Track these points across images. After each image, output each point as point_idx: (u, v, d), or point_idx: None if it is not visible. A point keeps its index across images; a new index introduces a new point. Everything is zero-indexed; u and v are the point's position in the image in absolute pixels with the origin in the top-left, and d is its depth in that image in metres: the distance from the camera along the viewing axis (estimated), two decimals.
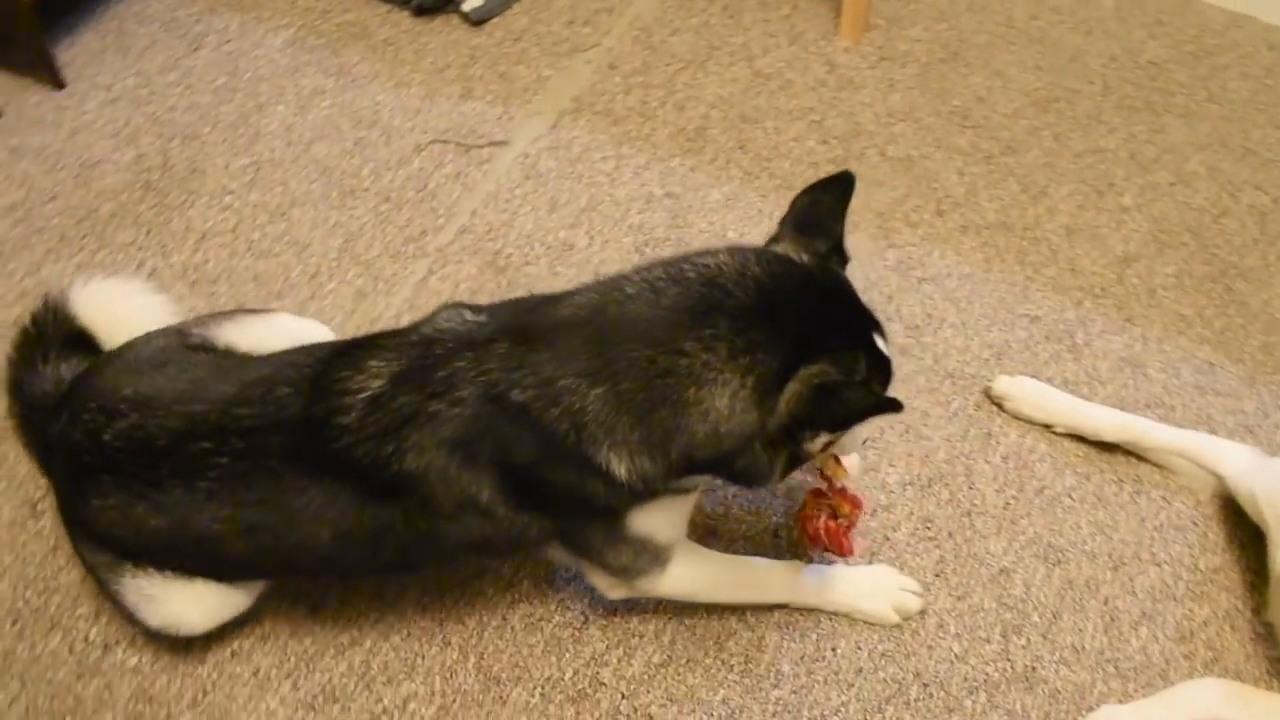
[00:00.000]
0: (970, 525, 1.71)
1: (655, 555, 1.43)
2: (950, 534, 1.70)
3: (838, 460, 1.53)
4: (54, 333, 1.58)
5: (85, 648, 1.52)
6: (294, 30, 2.43)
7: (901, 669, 1.56)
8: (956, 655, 1.57)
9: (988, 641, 1.59)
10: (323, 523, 1.33)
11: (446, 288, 1.97)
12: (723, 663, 1.55)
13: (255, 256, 2.01)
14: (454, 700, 1.51)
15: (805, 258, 1.30)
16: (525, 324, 1.29)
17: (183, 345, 1.50)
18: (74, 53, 2.36)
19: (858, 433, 1.40)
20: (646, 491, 1.29)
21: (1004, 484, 1.76)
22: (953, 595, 1.63)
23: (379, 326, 1.90)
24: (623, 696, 1.51)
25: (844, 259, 1.37)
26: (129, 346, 1.53)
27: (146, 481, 1.35)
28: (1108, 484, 1.76)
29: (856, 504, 1.58)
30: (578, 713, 1.50)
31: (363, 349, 1.34)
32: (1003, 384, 1.85)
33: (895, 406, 1.20)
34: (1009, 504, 1.74)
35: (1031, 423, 1.83)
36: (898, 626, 1.59)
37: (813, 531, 1.56)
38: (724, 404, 1.20)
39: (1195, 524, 1.72)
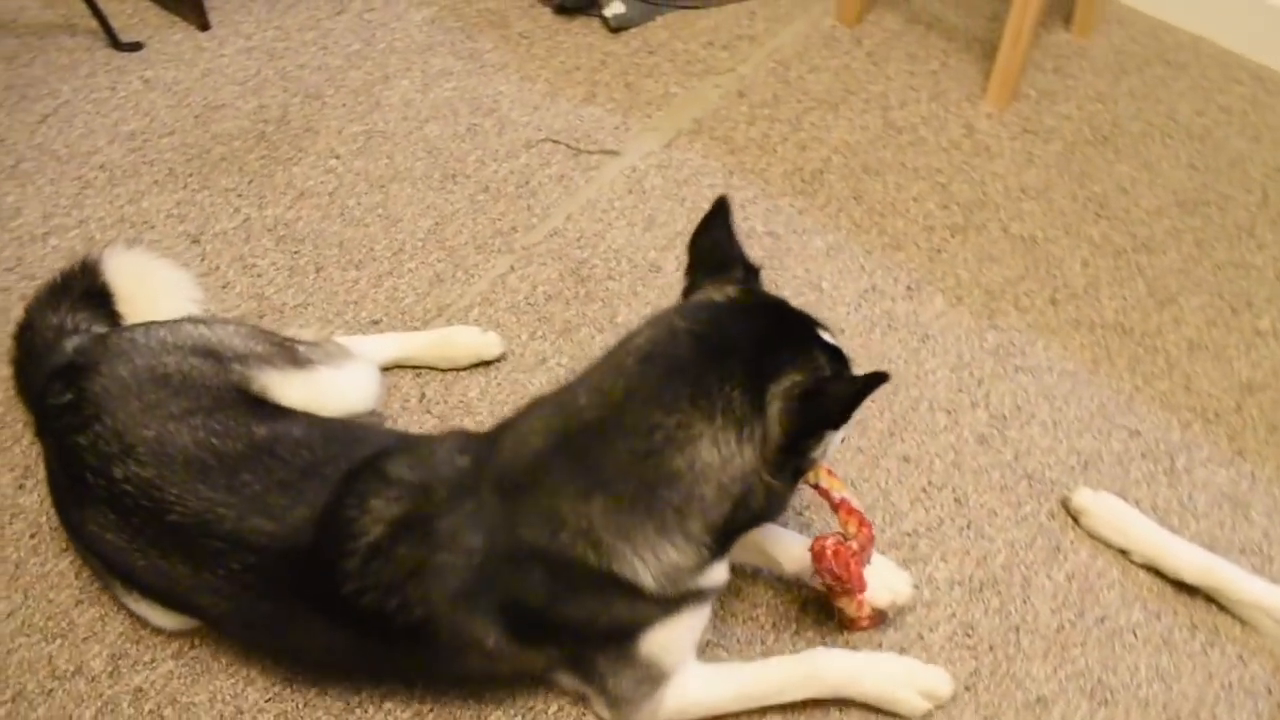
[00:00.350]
0: (1015, 642, 1.57)
1: (656, 682, 1.38)
2: (992, 647, 1.57)
3: (830, 472, 1.48)
4: (78, 285, 1.60)
5: (90, 577, 1.52)
6: (436, 9, 2.45)
7: None
8: None
9: None
10: (321, 645, 1.37)
11: (524, 288, 1.94)
12: None
13: (346, 223, 2.01)
14: None
15: (728, 291, 1.31)
16: (506, 470, 1.29)
17: (222, 376, 1.44)
18: (223, 5, 2.42)
19: (836, 436, 1.36)
20: (675, 595, 1.28)
21: (1062, 604, 1.61)
22: (979, 714, 1.50)
23: (448, 315, 1.88)
24: None
25: (754, 271, 1.39)
26: (149, 346, 1.46)
27: (150, 542, 1.33)
28: (1179, 628, 1.59)
29: (863, 522, 1.47)
30: None
31: (370, 480, 1.30)
32: (1084, 497, 1.70)
33: (882, 378, 1.20)
34: (1064, 627, 1.59)
35: (1107, 545, 1.67)
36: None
37: (817, 549, 1.43)
38: (712, 455, 1.21)
39: (1270, 692, 1.54)
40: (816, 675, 1.47)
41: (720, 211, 1.38)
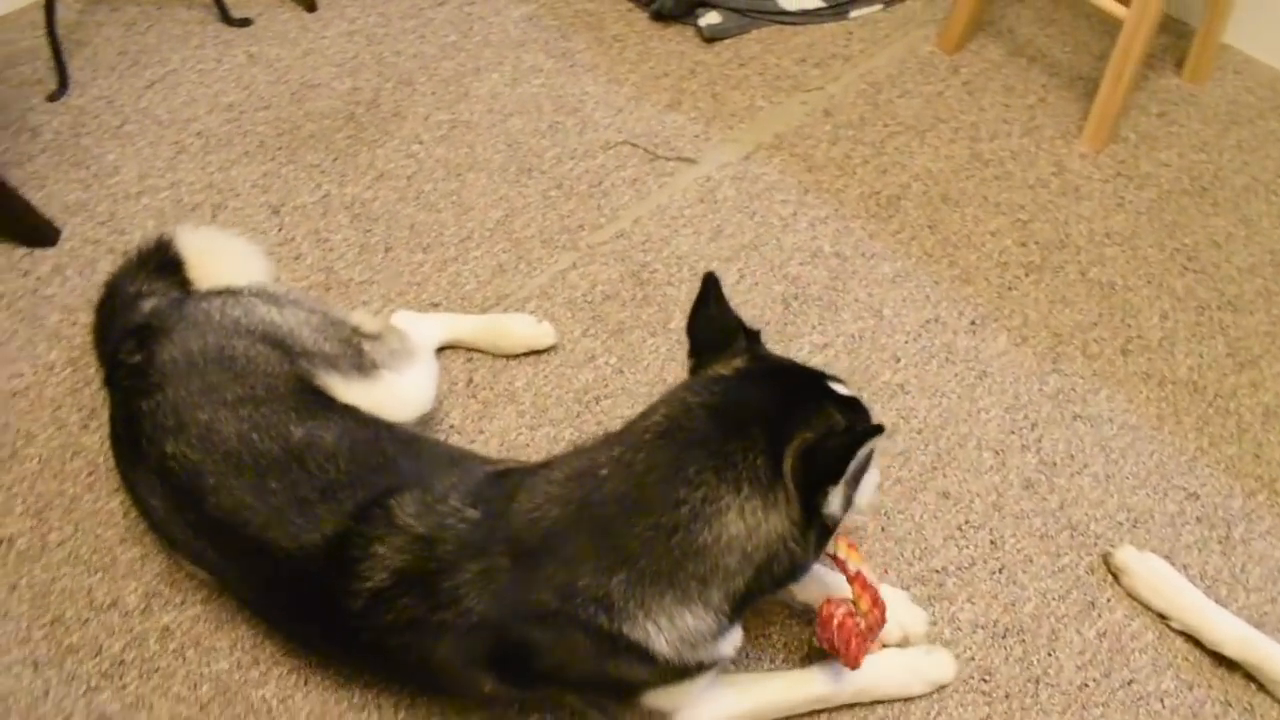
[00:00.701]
0: (1034, 693, 1.52)
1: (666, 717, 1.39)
2: (1008, 695, 1.52)
3: (851, 545, 1.44)
4: (154, 258, 1.68)
5: (136, 519, 1.59)
6: (535, 6, 2.50)
7: None
8: None
9: None
10: (331, 650, 1.46)
11: (583, 285, 1.96)
12: None
13: (419, 207, 2.07)
14: None
15: (734, 364, 1.31)
16: (521, 536, 1.26)
17: (285, 368, 1.48)
18: None
19: (862, 492, 1.33)
20: (691, 663, 1.27)
21: (1089, 661, 1.55)
22: None
23: (506, 304, 1.92)
24: None
25: (755, 335, 1.38)
26: (223, 325, 1.52)
27: (188, 520, 1.40)
28: (1212, 702, 1.52)
29: (877, 601, 1.41)
30: None
31: (378, 524, 1.31)
32: (1127, 555, 1.64)
33: (876, 430, 1.20)
34: (1087, 685, 1.53)
35: (1146, 607, 1.61)
36: None
37: (825, 615, 1.39)
38: (739, 526, 1.21)
39: None
40: (828, 695, 1.47)
41: (709, 289, 1.36)
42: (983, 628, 1.58)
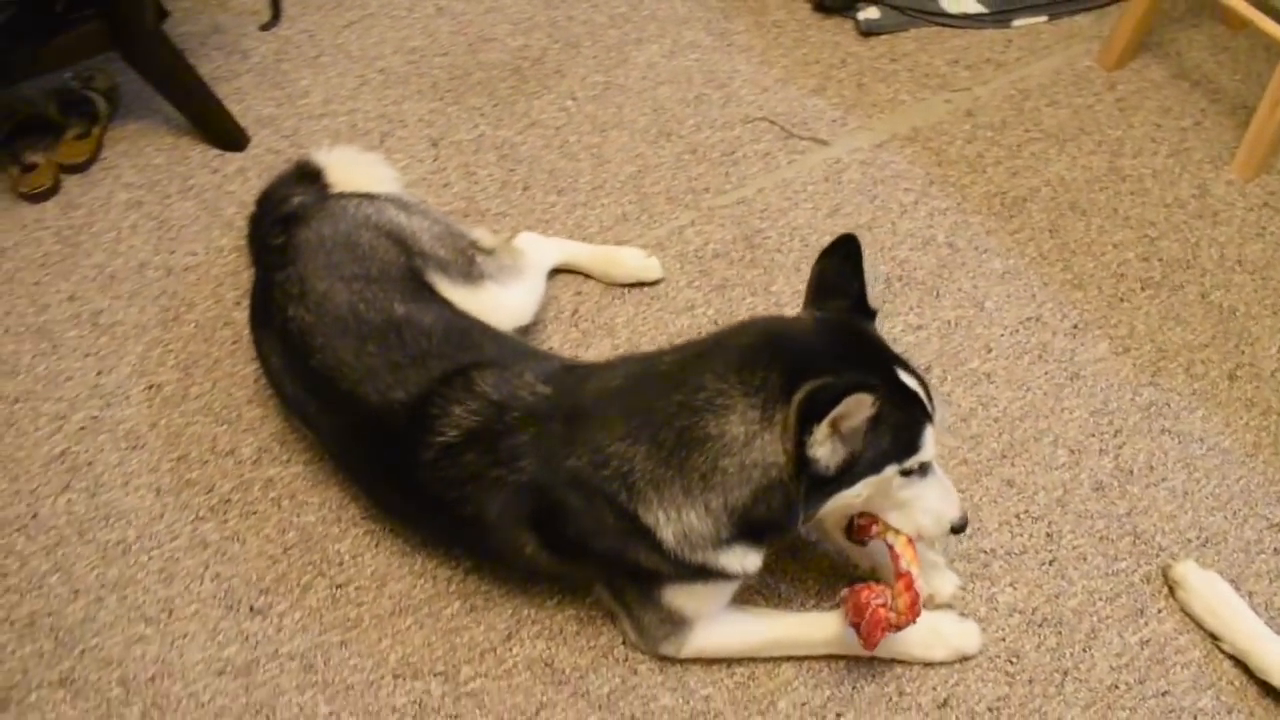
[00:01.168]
0: (1059, 684, 1.52)
1: (680, 625, 1.49)
2: (1031, 680, 1.53)
3: (911, 542, 1.44)
4: (305, 166, 1.89)
5: (263, 384, 1.79)
6: None
7: None
8: None
9: None
10: (399, 507, 1.63)
11: (697, 242, 2.07)
12: None
13: (561, 155, 2.23)
14: None
15: (820, 314, 1.41)
16: (577, 403, 1.43)
17: (401, 260, 1.65)
18: None
19: (923, 497, 1.39)
20: (693, 564, 1.37)
21: (1125, 665, 1.54)
22: None
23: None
24: None
25: (868, 313, 1.43)
26: (355, 217, 1.71)
27: (296, 375, 1.60)
28: None
29: (914, 606, 1.41)
30: None
31: (457, 387, 1.46)
32: (1188, 569, 1.60)
33: (867, 386, 1.23)
34: (1117, 688, 1.52)
35: (1199, 625, 1.57)
36: None
37: (859, 600, 1.42)
38: (739, 429, 1.29)
39: None
40: (839, 638, 1.52)
41: (844, 244, 1.42)
42: (1020, 613, 1.59)
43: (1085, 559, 1.65)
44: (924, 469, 1.39)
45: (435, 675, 1.54)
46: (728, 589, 1.48)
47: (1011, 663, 1.54)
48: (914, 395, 1.34)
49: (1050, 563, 1.65)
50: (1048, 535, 1.68)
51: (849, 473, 1.31)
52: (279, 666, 1.55)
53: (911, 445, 1.34)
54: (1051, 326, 1.94)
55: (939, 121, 2.30)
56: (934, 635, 1.53)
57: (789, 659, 1.54)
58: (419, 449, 1.46)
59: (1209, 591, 1.58)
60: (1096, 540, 1.67)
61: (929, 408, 1.36)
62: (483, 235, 1.90)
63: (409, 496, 1.55)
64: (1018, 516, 1.70)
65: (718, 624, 1.52)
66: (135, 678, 1.54)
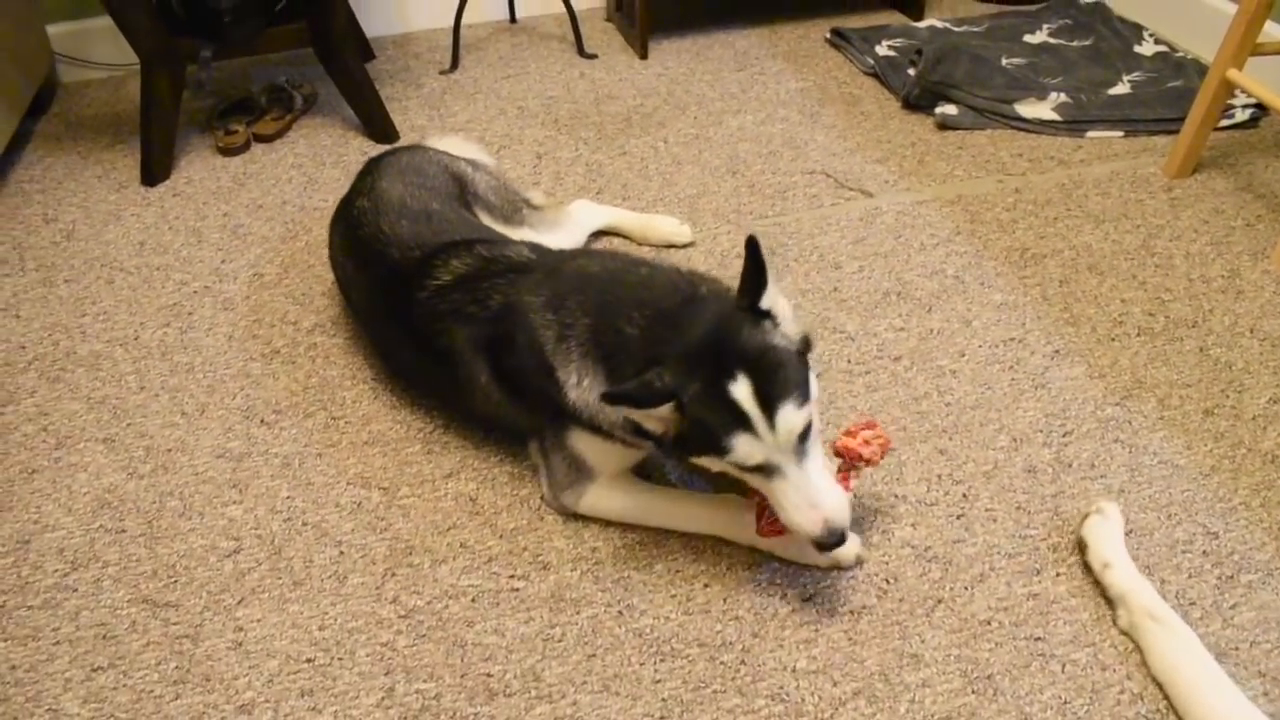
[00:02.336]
0: (929, 609, 1.55)
1: (578, 474, 1.68)
2: (902, 600, 1.57)
3: (846, 467, 1.58)
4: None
5: (332, 282, 2.20)
6: (810, 84, 2.99)
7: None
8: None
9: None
10: (398, 351, 1.92)
11: (726, 245, 2.33)
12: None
13: (637, 175, 2.59)
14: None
15: (737, 310, 1.48)
16: (557, 267, 1.69)
17: (455, 191, 2.05)
18: (669, 45, 3.23)
19: (780, 502, 1.46)
20: (589, 419, 1.59)
21: (1004, 609, 1.55)
22: (850, 640, 1.52)
23: (660, 249, 2.34)
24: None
25: (757, 312, 1.47)
26: (430, 157, 2.14)
27: (346, 246, 1.99)
28: (1120, 689, 1.45)
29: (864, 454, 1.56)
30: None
31: (460, 248, 1.79)
32: (1105, 505, 1.63)
33: (665, 397, 1.39)
34: (989, 625, 1.53)
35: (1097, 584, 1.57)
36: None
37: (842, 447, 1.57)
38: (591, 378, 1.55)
39: None
40: (725, 523, 1.65)
41: (749, 244, 1.46)
42: (912, 547, 1.65)
43: (995, 520, 1.69)
44: (768, 472, 1.43)
45: (379, 489, 1.78)
46: (626, 451, 1.65)
47: (888, 582, 1.60)
48: (730, 404, 1.39)
49: (958, 516, 1.70)
50: (964, 496, 1.73)
51: (681, 445, 1.46)
52: (265, 461, 1.85)
53: (719, 448, 1.41)
54: (1031, 348, 2.02)
55: (985, 193, 2.49)
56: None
57: (680, 535, 1.67)
58: (418, 290, 1.77)
59: (1107, 523, 1.60)
60: (1013, 509, 1.70)
61: (752, 420, 1.39)
62: (536, 196, 2.27)
63: (406, 333, 1.83)
64: (939, 477, 1.77)
65: (614, 487, 1.68)
66: (158, 448, 1.88)
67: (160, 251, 2.40)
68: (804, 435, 1.44)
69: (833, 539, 1.43)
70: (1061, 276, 2.21)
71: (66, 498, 1.79)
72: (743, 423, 1.40)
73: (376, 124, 2.77)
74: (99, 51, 3.09)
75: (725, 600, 1.57)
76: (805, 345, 1.51)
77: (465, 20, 3.33)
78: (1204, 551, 1.63)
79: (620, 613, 1.56)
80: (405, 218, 1.91)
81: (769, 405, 1.39)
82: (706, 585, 1.60)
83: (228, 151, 2.74)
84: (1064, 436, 1.84)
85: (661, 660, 1.49)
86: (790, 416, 1.40)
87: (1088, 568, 1.60)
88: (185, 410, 1.96)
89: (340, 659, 1.52)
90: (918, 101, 2.80)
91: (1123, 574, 1.54)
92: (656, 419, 1.44)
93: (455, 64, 3.13)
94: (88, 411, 1.97)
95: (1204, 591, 1.57)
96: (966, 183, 2.53)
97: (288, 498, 1.77)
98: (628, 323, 1.51)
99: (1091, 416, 1.87)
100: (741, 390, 1.39)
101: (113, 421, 1.94)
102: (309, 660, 1.52)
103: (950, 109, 2.75)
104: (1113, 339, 2.05)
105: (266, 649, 1.53)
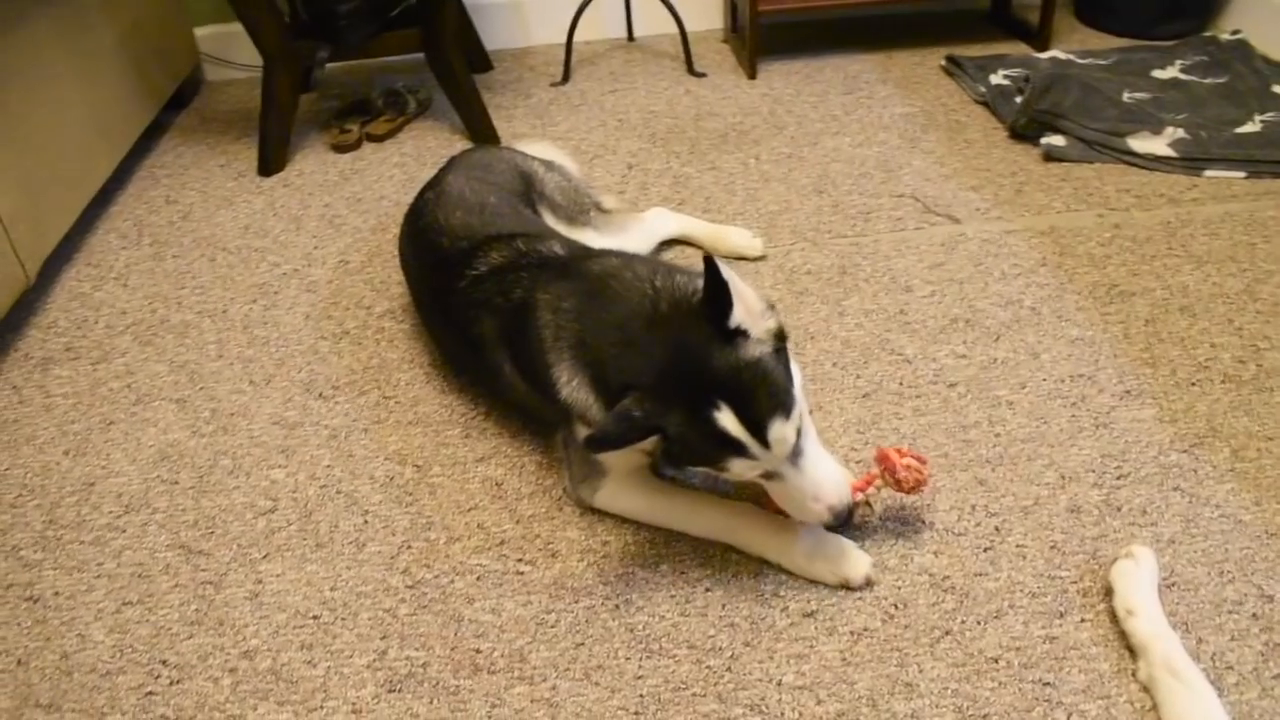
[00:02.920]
0: (934, 640, 1.48)
1: (594, 469, 1.69)
2: (907, 627, 1.50)
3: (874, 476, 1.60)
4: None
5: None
6: (916, 110, 2.93)
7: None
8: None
9: None
10: (442, 335, 1.99)
11: (797, 260, 2.30)
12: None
13: (722, 190, 2.59)
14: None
15: (704, 327, 1.43)
16: (576, 267, 1.69)
17: (520, 190, 2.10)
18: (779, 66, 3.22)
19: (781, 497, 1.50)
20: (583, 419, 1.61)
21: (1016, 648, 1.47)
22: (845, 663, 1.47)
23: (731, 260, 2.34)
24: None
25: (726, 332, 1.42)
26: (502, 156, 2.22)
27: (408, 235, 2.06)
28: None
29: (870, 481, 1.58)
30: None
31: (501, 241, 1.83)
32: (1137, 550, 1.52)
33: (648, 429, 1.39)
34: (998, 663, 1.45)
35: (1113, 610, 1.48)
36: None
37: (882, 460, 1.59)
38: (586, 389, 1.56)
39: None
40: (737, 526, 1.63)
41: (707, 267, 1.39)
42: (929, 574, 1.58)
43: (1025, 557, 1.60)
44: (767, 476, 1.46)
45: (414, 466, 1.84)
46: (630, 452, 1.60)
47: (896, 607, 1.53)
48: (719, 433, 1.38)
49: (985, 549, 1.61)
50: (996, 529, 1.65)
51: (673, 459, 1.47)
52: (315, 431, 1.93)
53: (713, 465, 1.43)
54: (1100, 385, 1.91)
55: (1081, 227, 2.37)
56: (819, 559, 1.57)
57: (691, 538, 1.66)
58: (458, 279, 1.83)
59: (1138, 569, 1.49)
60: (1046, 547, 1.61)
61: (744, 445, 1.38)
62: (609, 200, 2.31)
63: (448, 320, 1.90)
64: (973, 507, 1.69)
65: (629, 485, 1.68)
66: (223, 411, 2.00)
67: (261, 235, 2.56)
68: (796, 438, 1.42)
69: (840, 521, 1.47)
70: (1148, 315, 2.08)
71: (134, 449, 1.93)
72: (734, 448, 1.40)
73: (478, 129, 2.87)
74: (241, 53, 3.32)
75: (724, 606, 1.55)
76: (780, 339, 1.47)
77: (584, 37, 3.42)
78: (1254, 615, 1.50)
79: (617, 606, 1.56)
80: (460, 209, 1.97)
81: (758, 427, 1.38)
82: (708, 589, 1.57)
83: (340, 149, 2.90)
84: (1118, 479, 1.72)
85: (648, 657, 1.48)
86: (780, 430, 1.39)
87: (1114, 615, 1.49)
88: (254, 379, 2.08)
89: (343, 619, 1.57)
90: (1024, 131, 2.70)
91: (1146, 623, 1.43)
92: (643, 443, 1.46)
93: (566, 77, 3.22)
94: (169, 374, 2.11)
95: (1245, 657, 1.44)
96: (1063, 215, 2.42)
97: (328, 466, 1.85)
98: (605, 341, 1.52)
99: (1153, 461, 1.75)
100: (727, 419, 1.38)
101: (188, 384, 2.08)
102: (315, 617, 1.57)
103: (1057, 140, 2.64)
104: (1193, 384, 1.91)
105: (279, 603, 1.60)
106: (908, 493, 1.63)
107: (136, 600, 1.63)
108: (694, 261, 2.33)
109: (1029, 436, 1.81)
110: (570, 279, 1.66)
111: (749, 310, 1.46)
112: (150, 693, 1.49)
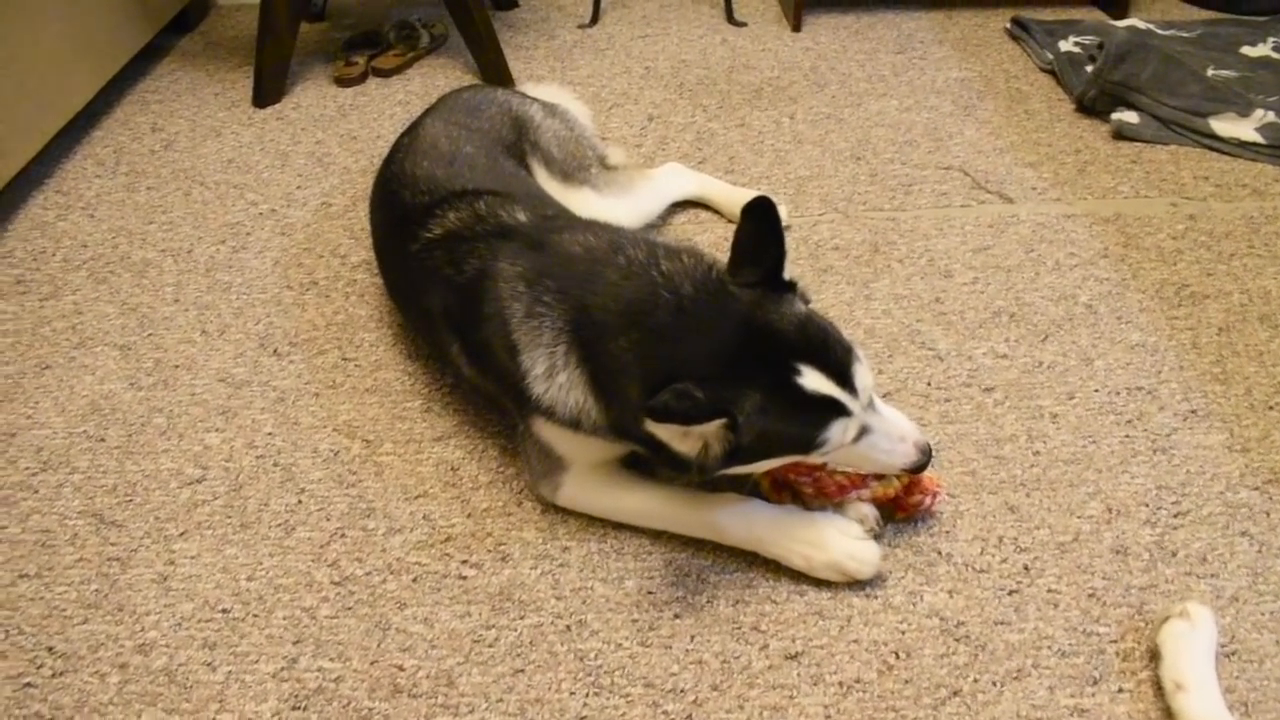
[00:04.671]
0: (939, 701, 1.25)
1: (555, 467, 1.46)
2: (908, 682, 1.27)
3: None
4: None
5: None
6: (973, 74, 2.64)
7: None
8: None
9: None
10: (400, 281, 1.70)
11: (826, 234, 2.04)
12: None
13: (749, 150, 2.33)
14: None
15: (735, 288, 1.27)
16: (543, 239, 1.44)
17: (510, 139, 1.85)
18: (828, 19, 2.94)
19: (862, 459, 1.33)
20: (546, 410, 1.37)
21: (1034, 718, 1.23)
22: (823, 713, 1.24)
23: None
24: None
25: (778, 286, 1.28)
26: (495, 98, 1.95)
27: (378, 180, 1.82)
28: None
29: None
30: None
31: (461, 200, 1.57)
32: (1193, 608, 1.27)
33: (716, 411, 1.15)
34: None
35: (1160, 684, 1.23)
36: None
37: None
38: (625, 383, 1.28)
39: None
40: (716, 520, 1.41)
41: (762, 206, 1.27)
42: (941, 619, 1.34)
43: (1057, 606, 1.35)
44: (857, 436, 1.27)
45: (363, 440, 1.62)
46: (605, 445, 1.41)
47: (897, 656, 1.29)
48: (811, 399, 1.22)
49: (1010, 592, 1.37)
50: (1024, 568, 1.40)
51: (731, 457, 1.22)
52: (261, 392, 1.73)
53: (804, 445, 1.24)
54: (1161, 402, 1.64)
55: (1150, 215, 2.08)
56: (820, 538, 1.36)
57: (664, 552, 1.43)
58: (411, 240, 1.59)
59: (1194, 633, 1.24)
60: (1083, 595, 1.36)
61: (840, 401, 1.23)
62: (615, 154, 2.06)
63: (402, 281, 1.69)
64: (1000, 539, 1.44)
65: (595, 481, 1.46)
66: (167, 363, 1.80)
67: (243, 171, 2.34)
68: None
69: (928, 457, 1.33)
70: (1222, 323, 1.80)
71: (66, 398, 1.73)
72: (832, 408, 1.24)
73: (491, 69, 2.63)
74: None
75: (693, 638, 1.32)
76: (804, 299, 1.33)
77: None
78: None
79: (568, 627, 1.33)
80: (429, 158, 1.73)
81: (845, 377, 1.25)
82: (677, 616, 1.35)
83: (343, 82, 2.67)
84: (1175, 517, 1.46)
85: (596, 693, 1.26)
86: (865, 375, 1.27)
87: (1160, 685, 1.25)
88: (206, 329, 1.87)
89: (256, 615, 1.36)
90: (1093, 104, 2.40)
91: (1199, 701, 1.19)
92: (696, 437, 1.20)
93: (595, 19, 2.96)
94: (118, 316, 1.91)
95: None
96: (1131, 201, 2.13)
97: (269, 434, 1.64)
98: (618, 336, 1.27)
99: (1218, 498, 1.49)
100: (814, 380, 1.22)
101: (136, 329, 1.88)
102: (224, 610, 1.37)
103: (1130, 115, 2.34)
104: (1270, 407, 1.64)
105: (188, 590, 1.40)
106: (911, 509, 1.42)
107: (34, 573, 1.44)
108: (708, 227, 2.08)
109: (1073, 457, 1.55)
110: (540, 254, 1.42)
111: None
112: (29, 684, 1.30)
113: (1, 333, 1.89)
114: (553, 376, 1.35)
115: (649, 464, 1.43)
